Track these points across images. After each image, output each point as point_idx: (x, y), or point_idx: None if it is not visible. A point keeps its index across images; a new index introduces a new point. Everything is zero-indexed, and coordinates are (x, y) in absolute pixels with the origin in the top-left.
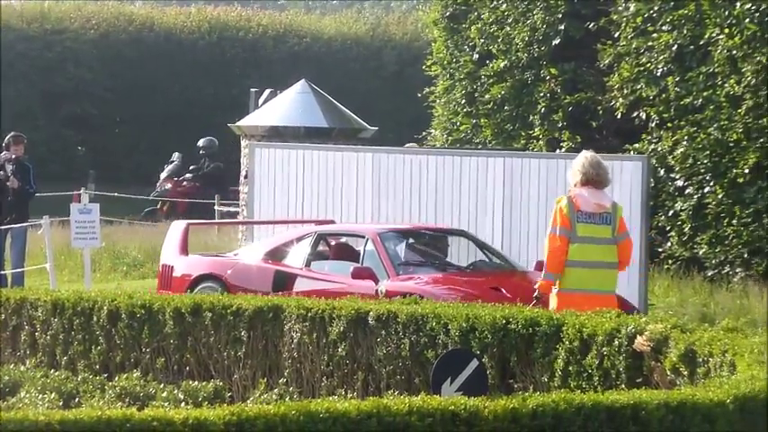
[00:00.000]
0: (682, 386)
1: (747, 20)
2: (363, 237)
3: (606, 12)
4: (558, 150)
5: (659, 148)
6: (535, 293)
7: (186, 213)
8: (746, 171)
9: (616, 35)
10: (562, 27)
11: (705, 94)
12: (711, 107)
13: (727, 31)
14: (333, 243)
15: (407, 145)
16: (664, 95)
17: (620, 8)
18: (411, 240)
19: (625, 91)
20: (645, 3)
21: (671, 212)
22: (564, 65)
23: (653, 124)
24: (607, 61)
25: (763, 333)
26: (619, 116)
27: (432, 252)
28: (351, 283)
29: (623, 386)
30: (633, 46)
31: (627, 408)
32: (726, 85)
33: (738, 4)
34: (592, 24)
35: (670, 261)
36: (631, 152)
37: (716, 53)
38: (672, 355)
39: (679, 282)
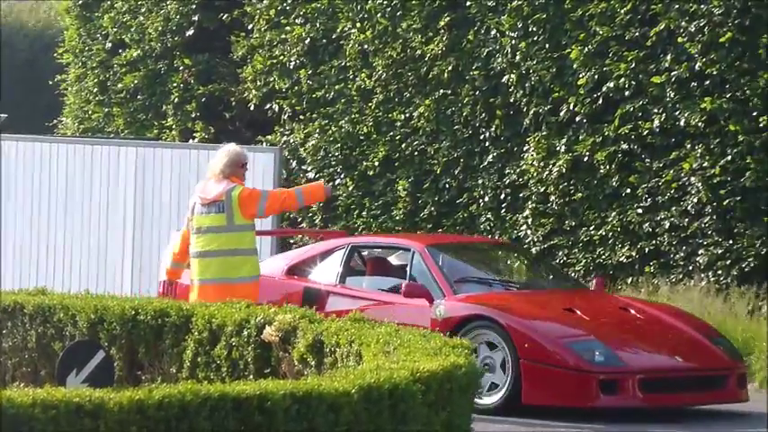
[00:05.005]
0: (309, 376)
1: (379, 14)
2: (408, 250)
3: (240, 3)
4: (191, 141)
5: (292, 140)
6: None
7: None
8: (376, 164)
9: (250, 27)
10: (196, 18)
11: (337, 87)
12: (343, 100)
13: (359, 25)
14: (368, 257)
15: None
16: (296, 88)
17: (253, 0)
18: (457, 254)
19: (258, 83)
20: None
21: None
22: (198, 56)
23: (285, 116)
24: (240, 53)
25: (390, 324)
26: (252, 108)
27: (483, 267)
28: (401, 302)
29: (251, 376)
30: (267, 38)
31: (253, 398)
32: (357, 78)
33: None
34: (226, 16)
35: None
36: (264, 144)
37: (348, 47)
38: (300, 345)
39: None
